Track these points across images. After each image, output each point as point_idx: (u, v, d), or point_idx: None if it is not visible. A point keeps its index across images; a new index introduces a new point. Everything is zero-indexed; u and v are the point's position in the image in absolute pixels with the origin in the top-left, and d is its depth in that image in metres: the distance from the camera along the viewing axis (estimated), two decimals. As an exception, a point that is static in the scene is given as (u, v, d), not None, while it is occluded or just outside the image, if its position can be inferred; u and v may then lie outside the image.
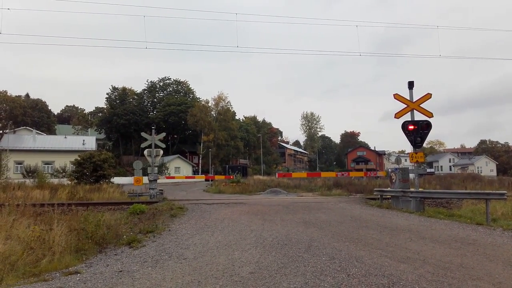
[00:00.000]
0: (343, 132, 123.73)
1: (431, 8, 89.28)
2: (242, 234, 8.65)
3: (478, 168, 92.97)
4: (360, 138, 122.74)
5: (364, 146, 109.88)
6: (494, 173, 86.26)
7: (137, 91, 67.11)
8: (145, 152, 19.86)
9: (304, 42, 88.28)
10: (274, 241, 7.79)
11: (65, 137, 53.91)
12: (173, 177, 46.28)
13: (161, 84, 66.22)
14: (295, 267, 5.89)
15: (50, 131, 66.48)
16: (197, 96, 66.44)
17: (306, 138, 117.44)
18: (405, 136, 14.69)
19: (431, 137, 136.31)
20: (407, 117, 15.01)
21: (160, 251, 7.33)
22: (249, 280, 5.28)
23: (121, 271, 6.04)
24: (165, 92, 66.84)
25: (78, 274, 5.96)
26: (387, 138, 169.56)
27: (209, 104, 65.84)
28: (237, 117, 77.31)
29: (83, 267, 6.41)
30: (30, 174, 42.12)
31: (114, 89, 66.95)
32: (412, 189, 13.71)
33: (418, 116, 14.78)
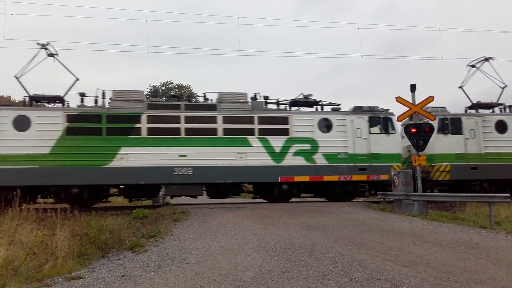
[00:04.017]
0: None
1: (434, 16, 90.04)
2: (245, 238, 8.64)
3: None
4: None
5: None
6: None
7: (140, 96, 67.14)
8: None
9: (307, 46, 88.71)
10: (277, 245, 7.78)
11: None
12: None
13: (163, 88, 66.53)
14: (298, 271, 5.88)
15: (53, 136, 66.51)
16: (200, 100, 66.58)
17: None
18: (408, 139, 14.70)
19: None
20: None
21: (163, 255, 7.34)
22: (251, 285, 5.28)
23: (123, 276, 6.05)
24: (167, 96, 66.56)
25: (81, 279, 5.97)
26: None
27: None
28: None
29: (86, 272, 6.42)
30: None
31: (117, 93, 66.93)
32: (415, 193, 13.68)
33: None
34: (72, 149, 15.30)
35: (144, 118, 15.92)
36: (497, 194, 11.86)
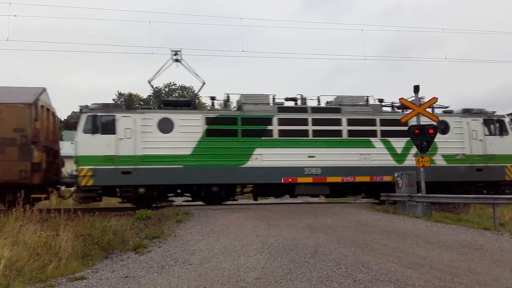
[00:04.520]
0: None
1: (438, 17, 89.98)
2: (248, 239, 8.63)
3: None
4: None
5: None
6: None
7: (143, 97, 67.36)
8: None
9: (310, 48, 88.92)
10: (280, 247, 7.77)
11: (72, 143, 53.96)
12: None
13: (166, 89, 66.56)
14: (301, 272, 5.87)
15: (57, 137, 66.74)
16: (203, 102, 66.60)
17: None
18: (411, 140, 14.66)
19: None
20: (412, 121, 15.02)
21: (166, 256, 7.34)
22: (254, 286, 5.27)
23: (127, 277, 6.05)
24: (170, 97, 66.71)
25: (84, 280, 5.98)
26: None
27: (215, 109, 65.71)
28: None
29: (89, 273, 6.43)
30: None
31: (121, 95, 67.21)
32: (418, 194, 13.63)
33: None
34: (212, 149, 16.16)
35: (275, 120, 16.76)
36: (501, 196, 11.83)
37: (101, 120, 15.60)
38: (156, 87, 62.51)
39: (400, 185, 14.50)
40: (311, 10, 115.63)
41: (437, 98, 15.04)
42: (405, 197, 13.79)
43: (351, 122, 17.18)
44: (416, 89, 14.84)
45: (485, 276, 5.63)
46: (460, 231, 9.69)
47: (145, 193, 15.57)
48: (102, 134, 15.46)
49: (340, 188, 17.19)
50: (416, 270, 5.92)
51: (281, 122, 16.75)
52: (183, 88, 66.34)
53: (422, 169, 14.05)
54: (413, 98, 15.02)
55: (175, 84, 65.47)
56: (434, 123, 15.11)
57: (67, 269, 6.53)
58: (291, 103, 17.79)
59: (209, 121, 16.34)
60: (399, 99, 15.98)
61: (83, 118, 15.66)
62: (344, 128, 17.11)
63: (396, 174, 15.00)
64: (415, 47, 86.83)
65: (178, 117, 16.20)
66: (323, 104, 18.12)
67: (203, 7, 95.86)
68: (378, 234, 9.14)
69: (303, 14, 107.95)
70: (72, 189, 16.84)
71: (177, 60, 17.78)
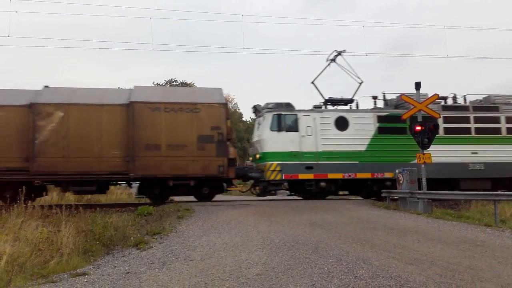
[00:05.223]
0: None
1: (441, 14, 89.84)
2: (249, 235, 8.64)
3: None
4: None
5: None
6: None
7: (144, 93, 67.15)
8: None
9: (311, 45, 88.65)
10: (281, 243, 7.78)
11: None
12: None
13: (167, 86, 66.72)
14: (302, 268, 5.88)
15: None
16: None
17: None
18: (413, 137, 14.64)
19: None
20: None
21: (167, 252, 7.36)
22: (255, 282, 5.28)
23: (128, 273, 6.07)
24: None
25: (86, 276, 6.00)
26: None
27: (216, 106, 65.54)
28: (244, 119, 77.17)
29: (91, 269, 6.45)
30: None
31: (121, 91, 66.86)
32: (419, 190, 13.63)
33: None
34: (384, 146, 17.21)
35: (440, 118, 17.12)
36: (502, 192, 11.82)
37: (285, 119, 16.82)
38: (158, 84, 62.72)
39: (401, 182, 14.49)
40: (311, 8, 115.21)
41: (438, 95, 15.03)
42: (406, 194, 13.79)
43: (509, 120, 18.02)
44: (418, 86, 14.81)
45: (486, 272, 5.64)
46: (461, 228, 9.70)
47: (325, 187, 16.74)
48: (286, 131, 16.70)
49: (501, 183, 17.76)
50: (417, 266, 5.93)
51: (446, 120, 17.48)
52: (183, 84, 66.31)
53: (423, 165, 14.04)
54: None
55: (176, 80, 65.47)
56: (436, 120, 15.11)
57: (68, 265, 6.55)
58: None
59: (380, 119, 17.38)
60: (400, 95, 15.98)
61: (269, 117, 16.84)
62: (503, 125, 18.06)
63: (397, 171, 14.99)
64: (417, 45, 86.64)
65: (352, 116, 17.31)
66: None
67: (204, 3, 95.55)
68: (379, 231, 9.14)
69: (305, 11, 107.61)
70: (250, 182, 18.06)
71: (332, 60, 18.81)
